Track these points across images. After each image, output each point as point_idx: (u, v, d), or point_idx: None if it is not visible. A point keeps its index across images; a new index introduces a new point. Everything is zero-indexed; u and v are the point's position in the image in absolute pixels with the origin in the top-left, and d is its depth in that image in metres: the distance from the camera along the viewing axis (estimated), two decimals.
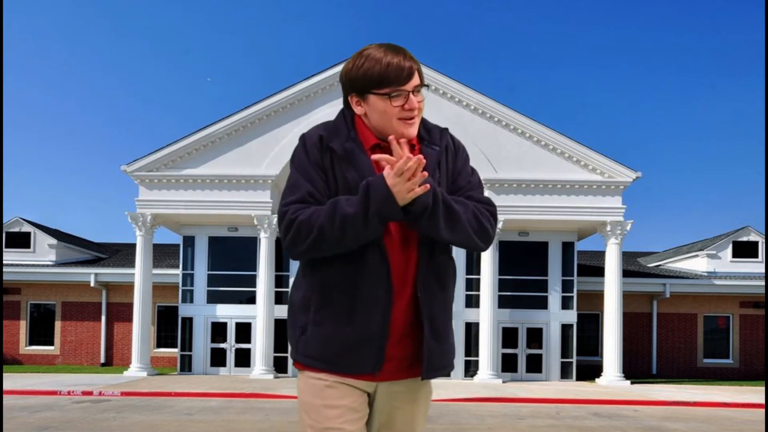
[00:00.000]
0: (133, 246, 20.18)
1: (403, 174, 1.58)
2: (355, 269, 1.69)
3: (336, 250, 1.68)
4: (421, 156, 1.59)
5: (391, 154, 1.72)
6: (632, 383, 18.13)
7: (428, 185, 1.61)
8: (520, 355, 19.53)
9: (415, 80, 1.73)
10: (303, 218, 1.66)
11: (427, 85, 1.78)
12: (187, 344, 19.91)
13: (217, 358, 19.89)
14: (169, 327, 21.95)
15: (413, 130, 1.76)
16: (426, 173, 1.61)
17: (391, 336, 1.72)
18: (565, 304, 19.57)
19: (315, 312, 1.75)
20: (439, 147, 1.82)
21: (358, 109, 1.78)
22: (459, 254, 19.47)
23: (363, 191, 1.64)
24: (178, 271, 20.40)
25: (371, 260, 1.69)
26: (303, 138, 1.81)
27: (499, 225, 18.17)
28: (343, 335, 1.71)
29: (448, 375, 1.85)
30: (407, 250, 1.74)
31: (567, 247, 19.72)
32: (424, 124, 1.85)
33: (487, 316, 18.19)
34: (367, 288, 1.69)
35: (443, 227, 1.66)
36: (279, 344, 18.93)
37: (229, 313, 19.90)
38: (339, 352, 1.72)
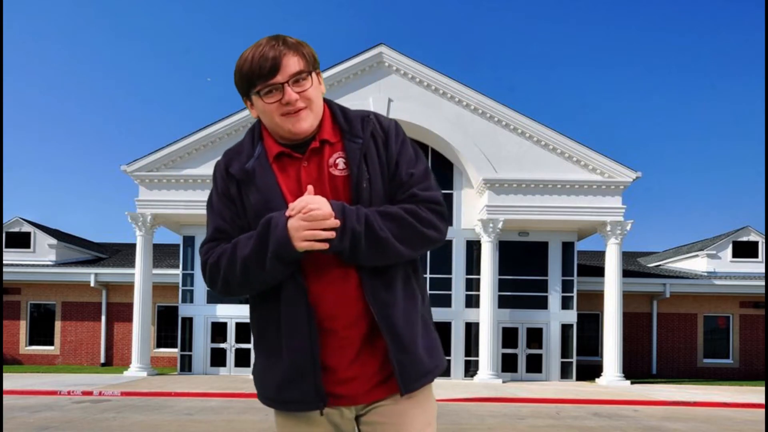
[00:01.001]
0: (133, 246, 20.18)
1: (310, 219, 1.45)
2: (277, 300, 1.57)
3: (249, 292, 1.59)
4: (325, 211, 1.45)
5: (294, 159, 1.60)
6: (632, 383, 18.12)
7: (333, 233, 1.46)
8: (520, 355, 19.53)
9: (289, 69, 1.53)
10: (212, 261, 1.57)
11: (309, 71, 1.56)
12: (187, 344, 19.91)
13: (217, 358, 19.90)
14: (169, 327, 21.94)
15: (303, 125, 1.56)
16: (337, 221, 1.46)
17: (341, 359, 1.58)
18: (565, 304, 19.57)
19: (255, 347, 1.68)
20: (363, 138, 1.59)
21: (252, 113, 1.65)
22: (459, 254, 19.49)
23: (261, 230, 1.50)
24: (178, 271, 20.40)
25: (287, 289, 1.56)
26: (214, 168, 1.71)
27: (499, 225, 18.18)
28: (275, 372, 1.60)
29: (431, 380, 1.64)
30: (341, 265, 1.55)
31: (567, 247, 19.71)
32: (345, 114, 1.65)
33: (487, 316, 18.18)
34: (289, 319, 1.56)
35: (366, 258, 1.51)
36: None
37: (229, 313, 19.90)
38: (276, 390, 1.62)
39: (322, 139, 1.60)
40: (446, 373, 19.16)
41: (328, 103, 1.69)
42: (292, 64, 1.53)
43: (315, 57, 1.61)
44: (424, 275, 18.96)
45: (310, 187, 1.52)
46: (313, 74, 1.58)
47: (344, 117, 1.64)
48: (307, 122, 1.58)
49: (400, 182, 1.59)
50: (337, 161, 1.59)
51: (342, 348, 1.58)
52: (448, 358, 19.08)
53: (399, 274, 1.60)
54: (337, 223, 1.46)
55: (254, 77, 1.53)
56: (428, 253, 19.23)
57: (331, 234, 1.46)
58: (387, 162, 1.60)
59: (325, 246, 1.47)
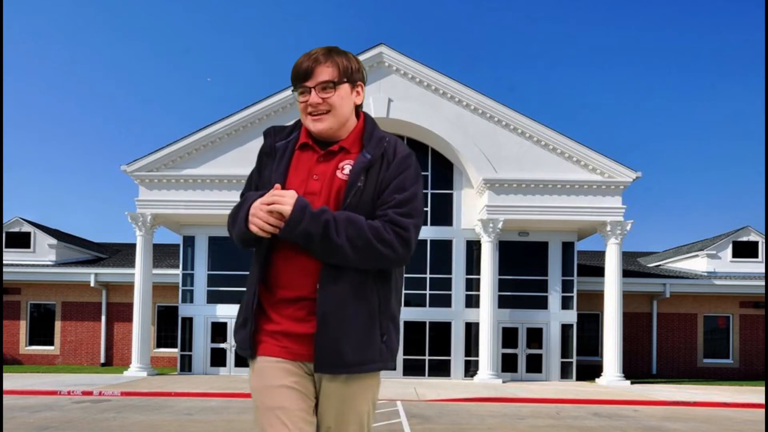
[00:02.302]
0: (133, 246, 20.18)
1: (270, 210, 1.69)
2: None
3: (241, 246, 1.88)
4: (279, 206, 1.67)
5: (314, 152, 1.82)
6: (632, 383, 18.13)
7: (280, 224, 1.69)
8: (520, 355, 19.53)
9: (319, 77, 1.78)
10: (231, 212, 1.88)
11: (338, 82, 1.78)
12: (187, 344, 19.91)
13: (217, 358, 19.89)
14: (169, 327, 21.94)
15: (320, 126, 1.80)
16: (279, 224, 1.69)
17: (296, 326, 1.78)
18: (565, 304, 19.57)
19: None
20: (371, 156, 1.78)
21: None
22: (459, 254, 19.49)
23: (239, 203, 1.83)
24: (178, 271, 20.40)
25: (255, 252, 1.89)
26: None
27: (499, 225, 18.19)
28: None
29: (349, 373, 1.80)
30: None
31: (567, 247, 19.71)
32: (372, 132, 1.85)
33: (487, 316, 18.18)
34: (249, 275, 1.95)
35: (318, 255, 1.71)
36: None
37: (229, 313, 19.88)
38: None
39: (341, 146, 1.83)
40: (446, 373, 19.15)
41: (366, 118, 1.91)
42: (324, 73, 1.78)
43: (352, 71, 1.83)
44: (424, 275, 19.12)
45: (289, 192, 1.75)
46: (345, 85, 1.81)
47: (370, 135, 1.85)
48: (325, 124, 1.81)
49: (382, 201, 1.76)
50: (345, 167, 1.80)
51: (295, 317, 1.78)
52: (447, 358, 19.07)
53: (356, 276, 1.74)
54: (279, 223, 1.70)
55: (294, 79, 1.81)
56: (428, 253, 19.36)
57: (279, 224, 1.70)
58: (381, 181, 1.78)
59: (267, 235, 1.72)
